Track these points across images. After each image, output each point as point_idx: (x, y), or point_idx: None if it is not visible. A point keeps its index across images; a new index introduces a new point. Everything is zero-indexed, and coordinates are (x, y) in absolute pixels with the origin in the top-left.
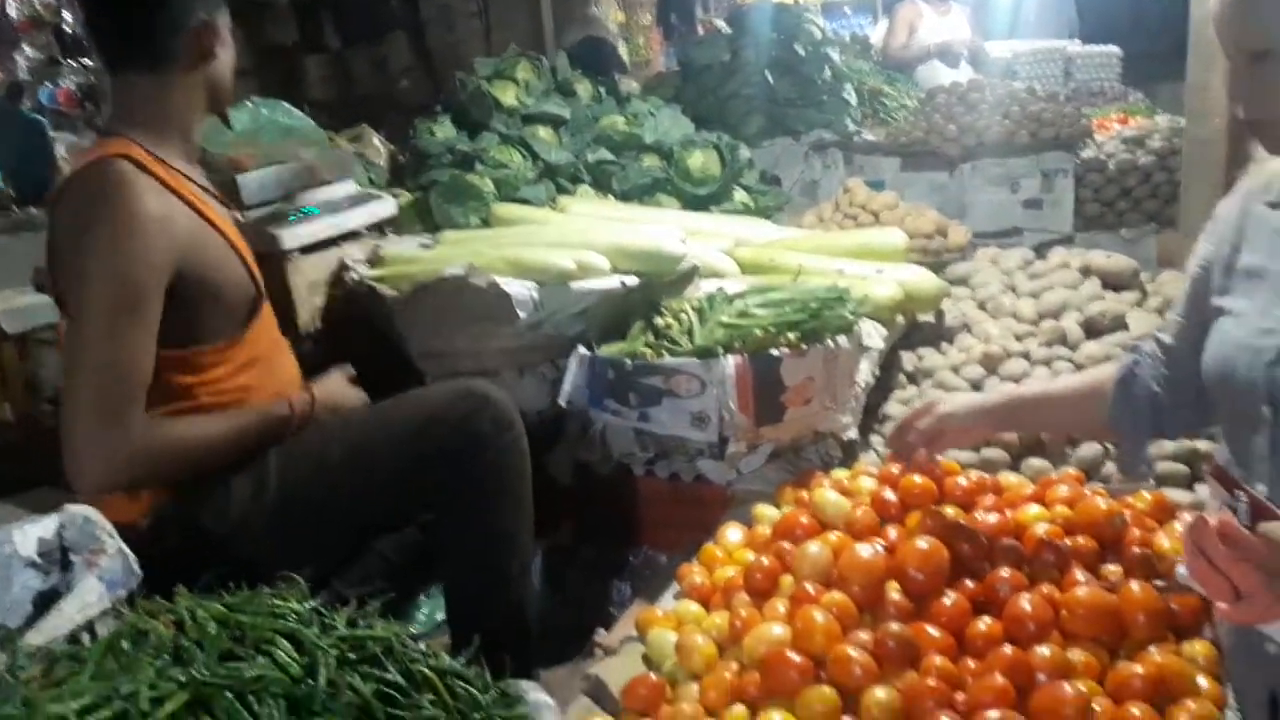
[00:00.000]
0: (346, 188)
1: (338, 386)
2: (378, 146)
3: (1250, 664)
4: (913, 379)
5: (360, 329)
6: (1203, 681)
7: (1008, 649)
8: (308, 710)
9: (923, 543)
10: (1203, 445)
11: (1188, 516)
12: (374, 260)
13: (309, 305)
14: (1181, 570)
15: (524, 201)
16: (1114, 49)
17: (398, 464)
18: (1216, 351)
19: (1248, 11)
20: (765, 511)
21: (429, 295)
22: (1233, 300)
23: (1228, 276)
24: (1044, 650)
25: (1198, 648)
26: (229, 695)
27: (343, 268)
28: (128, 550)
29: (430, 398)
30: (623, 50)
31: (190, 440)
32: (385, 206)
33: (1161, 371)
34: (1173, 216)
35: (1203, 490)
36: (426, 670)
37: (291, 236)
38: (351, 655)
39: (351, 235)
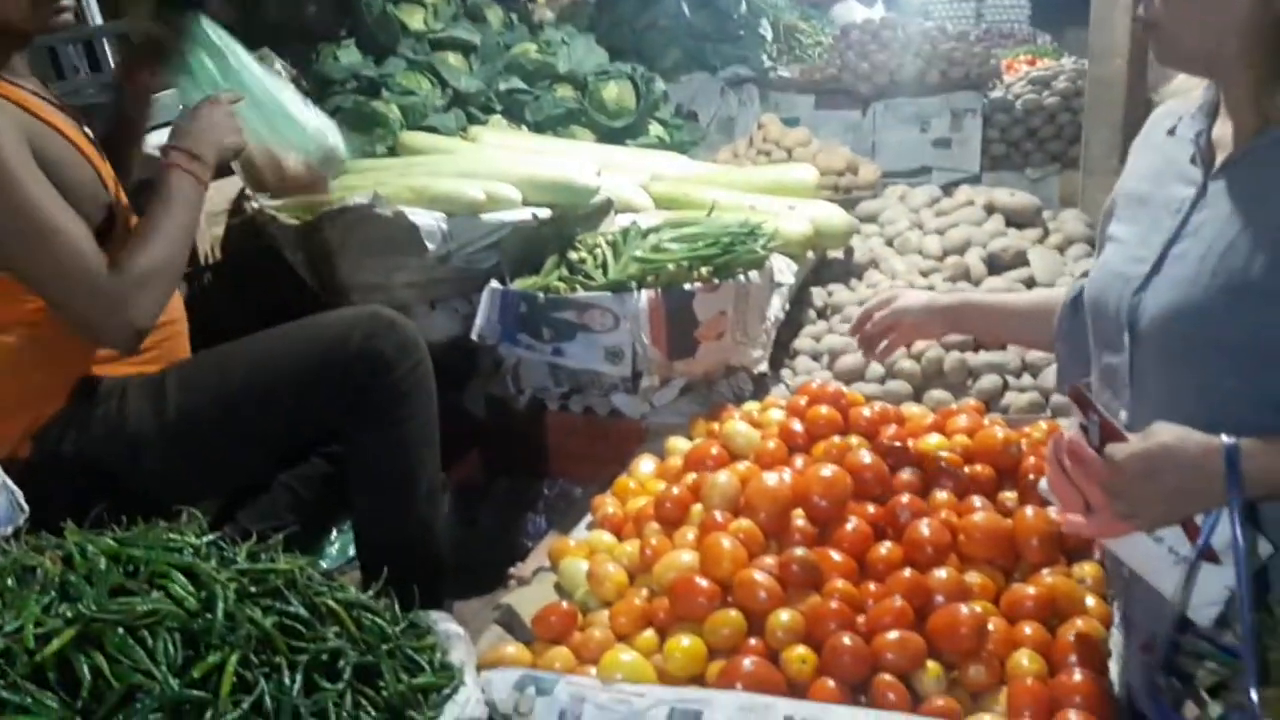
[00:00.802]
0: None
1: (195, 122)
2: (280, 70)
3: (1115, 582)
4: (822, 314)
5: (262, 261)
6: (1090, 601)
7: (907, 572)
8: (205, 644)
9: (826, 470)
10: None
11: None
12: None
13: (207, 235)
14: (1043, 484)
15: (432, 130)
16: None
17: (299, 387)
18: (1096, 277)
19: None
20: (677, 444)
21: (333, 226)
22: (1120, 227)
23: (1125, 205)
24: (942, 573)
25: (1087, 569)
26: (120, 631)
27: (243, 196)
28: (13, 486)
29: (332, 321)
30: None
31: (156, 242)
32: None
33: None
34: (1076, 157)
35: None
36: (331, 602)
37: None
38: (252, 589)
39: None
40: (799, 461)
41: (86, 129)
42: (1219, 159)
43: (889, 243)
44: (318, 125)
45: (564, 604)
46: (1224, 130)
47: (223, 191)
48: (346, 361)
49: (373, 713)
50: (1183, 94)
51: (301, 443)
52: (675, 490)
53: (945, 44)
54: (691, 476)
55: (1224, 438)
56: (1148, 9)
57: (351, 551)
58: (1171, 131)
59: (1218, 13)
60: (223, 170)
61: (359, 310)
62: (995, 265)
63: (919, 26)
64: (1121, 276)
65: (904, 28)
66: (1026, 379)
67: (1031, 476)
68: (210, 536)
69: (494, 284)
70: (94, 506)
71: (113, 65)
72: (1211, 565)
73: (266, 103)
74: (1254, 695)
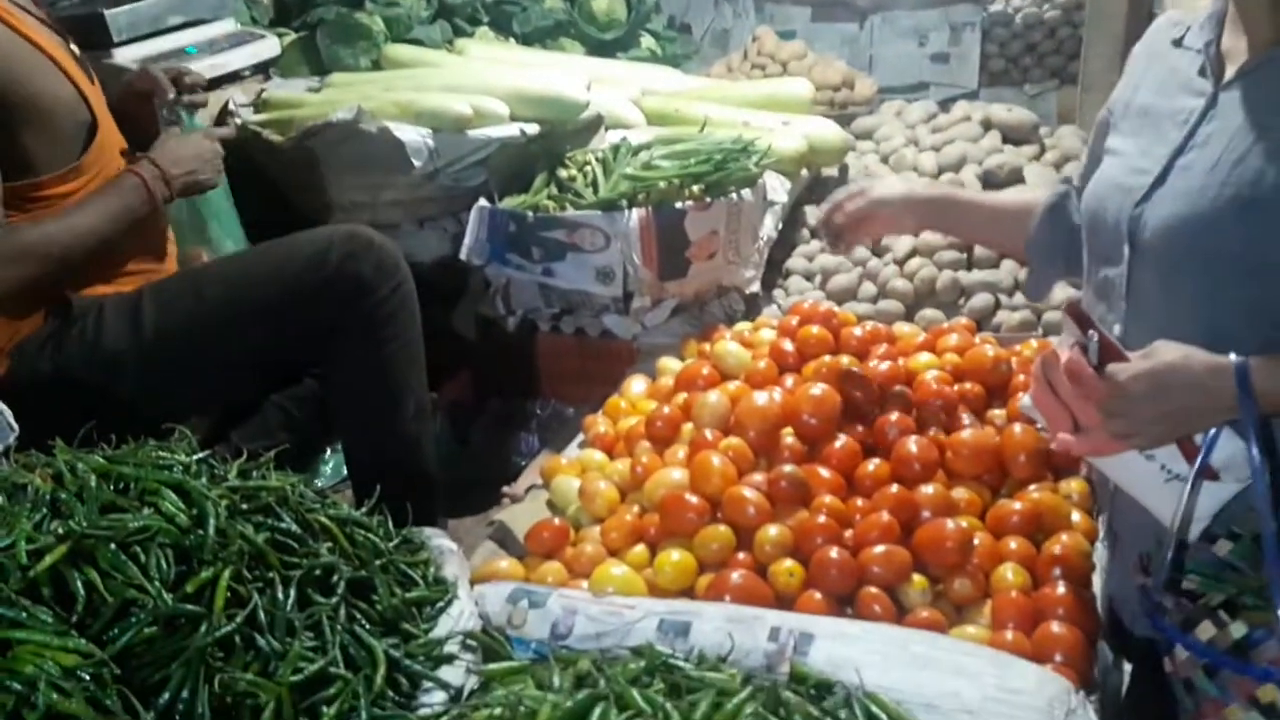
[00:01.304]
0: (225, 26)
1: (178, 145)
2: None
3: (1100, 495)
4: (815, 234)
5: (245, 177)
6: (1076, 516)
7: (894, 488)
8: (198, 560)
9: (816, 389)
10: None
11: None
12: (258, 104)
13: None
14: (1025, 400)
15: (417, 43)
16: None
17: (276, 307)
18: (1093, 190)
19: None
20: (669, 364)
21: (317, 141)
22: (1120, 140)
23: (1124, 117)
24: (929, 489)
25: (1073, 485)
26: (112, 547)
27: (225, 112)
28: (1, 405)
29: (310, 240)
30: None
31: (62, 231)
32: (268, 46)
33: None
34: (1075, 73)
35: None
36: (324, 519)
37: None
38: (244, 505)
39: (233, 77)
40: (789, 381)
41: (73, 46)
42: (1229, 70)
43: (884, 159)
44: None
45: (556, 520)
46: (1234, 41)
47: (205, 109)
48: (324, 282)
49: (367, 626)
50: (1186, 3)
51: (286, 363)
52: (666, 410)
53: None
54: (682, 396)
55: (1232, 356)
56: None
57: (345, 471)
58: (1178, 42)
59: None
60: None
61: (337, 229)
62: (990, 182)
63: None
64: (1122, 188)
65: None
66: (1019, 298)
67: (1020, 395)
68: (200, 454)
69: (482, 202)
70: (77, 425)
71: None
72: (1210, 483)
73: None
74: None
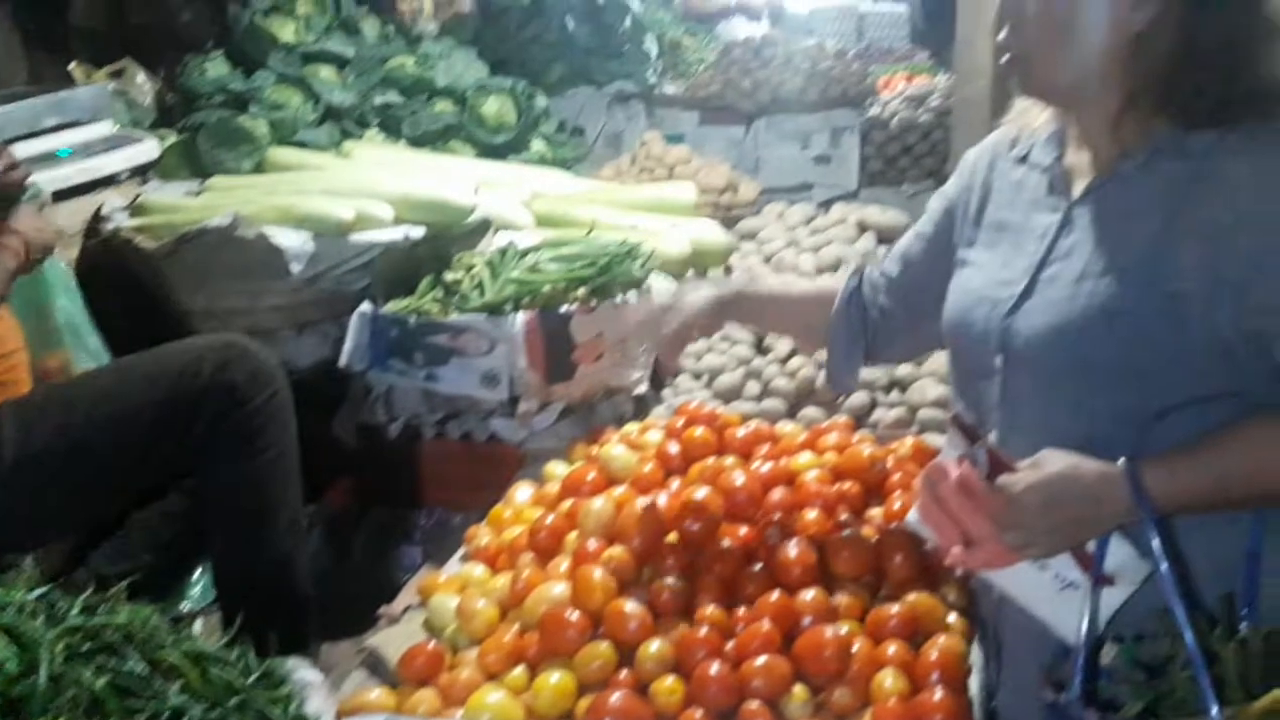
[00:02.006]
0: (103, 128)
1: (33, 219)
2: (142, 84)
3: (983, 602)
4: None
5: (119, 284)
6: (953, 618)
7: (775, 595)
8: (29, 711)
9: (699, 494)
10: None
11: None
12: (134, 209)
13: (61, 258)
14: (912, 516)
15: (303, 146)
16: (903, 9)
17: (147, 422)
18: (956, 301)
19: None
20: (556, 469)
21: (192, 248)
22: (975, 252)
23: (975, 228)
24: (809, 595)
25: (950, 586)
26: None
27: (98, 217)
28: None
29: (183, 351)
30: None
31: None
32: (146, 149)
33: (878, 299)
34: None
35: None
36: (175, 656)
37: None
38: (85, 646)
39: (109, 180)
40: (676, 484)
41: None
42: (1077, 185)
43: (767, 260)
44: None
45: (431, 643)
46: (1078, 158)
47: (78, 212)
48: (197, 393)
49: None
50: (1017, 120)
51: (154, 479)
52: (550, 519)
53: (824, 62)
54: (568, 503)
55: (1121, 461)
56: (1015, 42)
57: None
58: (1023, 159)
59: (1088, 40)
60: (77, 191)
61: (211, 339)
62: None
63: (799, 44)
64: (988, 300)
65: (785, 45)
66: (895, 394)
67: (898, 494)
68: (40, 590)
69: (364, 307)
70: None
71: None
72: (1106, 589)
73: None
74: (1216, 714)
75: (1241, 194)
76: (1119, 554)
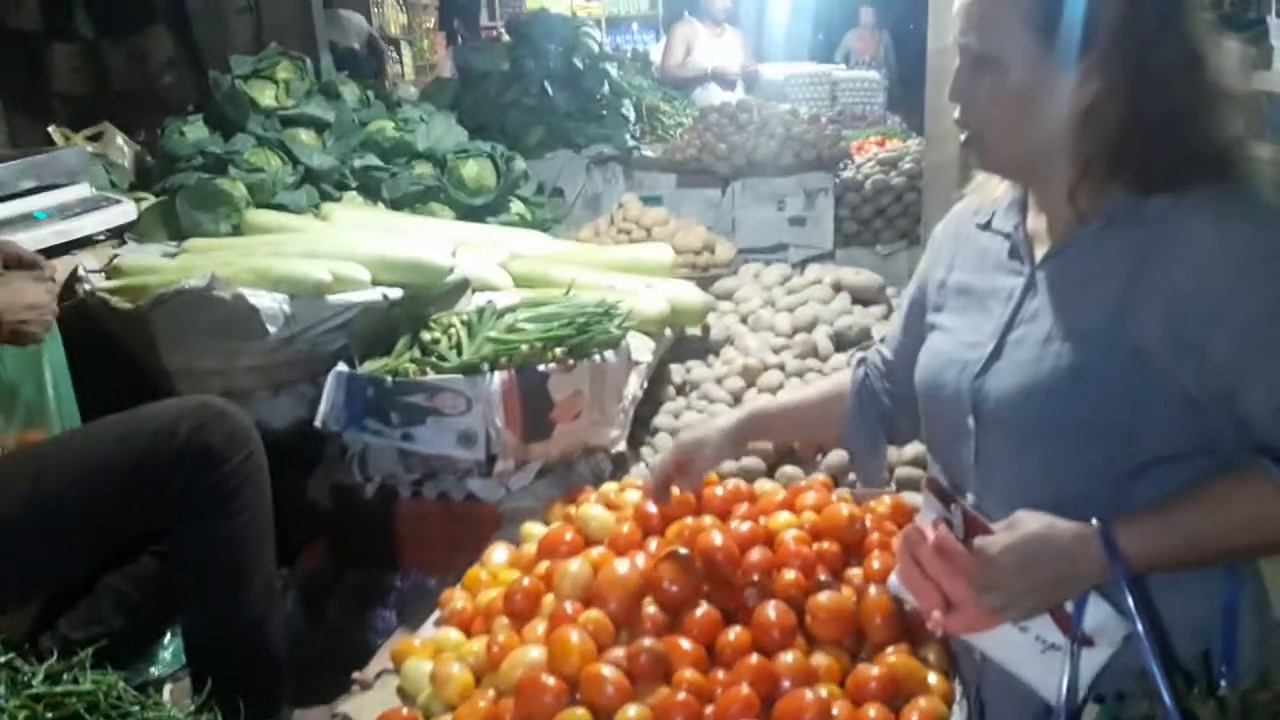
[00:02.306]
0: (80, 191)
1: (10, 289)
2: (121, 146)
3: (964, 662)
4: (681, 391)
5: (95, 345)
6: (933, 679)
7: (754, 658)
8: None
9: (677, 556)
10: None
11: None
12: (110, 270)
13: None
14: (893, 580)
15: (282, 208)
16: (875, 75)
17: (122, 485)
18: (927, 364)
19: (979, 15)
20: (533, 530)
21: (168, 309)
22: (944, 317)
23: (941, 294)
24: (788, 657)
25: (930, 647)
26: None
27: (74, 278)
28: None
29: (158, 413)
30: (406, 54)
31: None
32: (123, 211)
33: (885, 385)
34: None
35: None
36: None
37: None
38: (48, 715)
39: (85, 242)
40: (653, 545)
41: None
42: (1039, 250)
43: (743, 320)
44: None
45: (404, 711)
46: (1037, 224)
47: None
48: (173, 455)
49: None
50: (979, 189)
51: (127, 541)
52: (525, 581)
53: (798, 127)
54: (544, 565)
55: (1094, 521)
56: (969, 121)
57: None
58: (985, 226)
59: (1040, 116)
60: (54, 252)
61: (186, 400)
62: (842, 342)
63: (774, 110)
64: (957, 362)
65: (759, 110)
66: None
67: (876, 553)
68: (2, 657)
69: (340, 367)
70: None
71: None
72: (1087, 649)
73: None
74: None
75: (1197, 256)
76: (1097, 614)
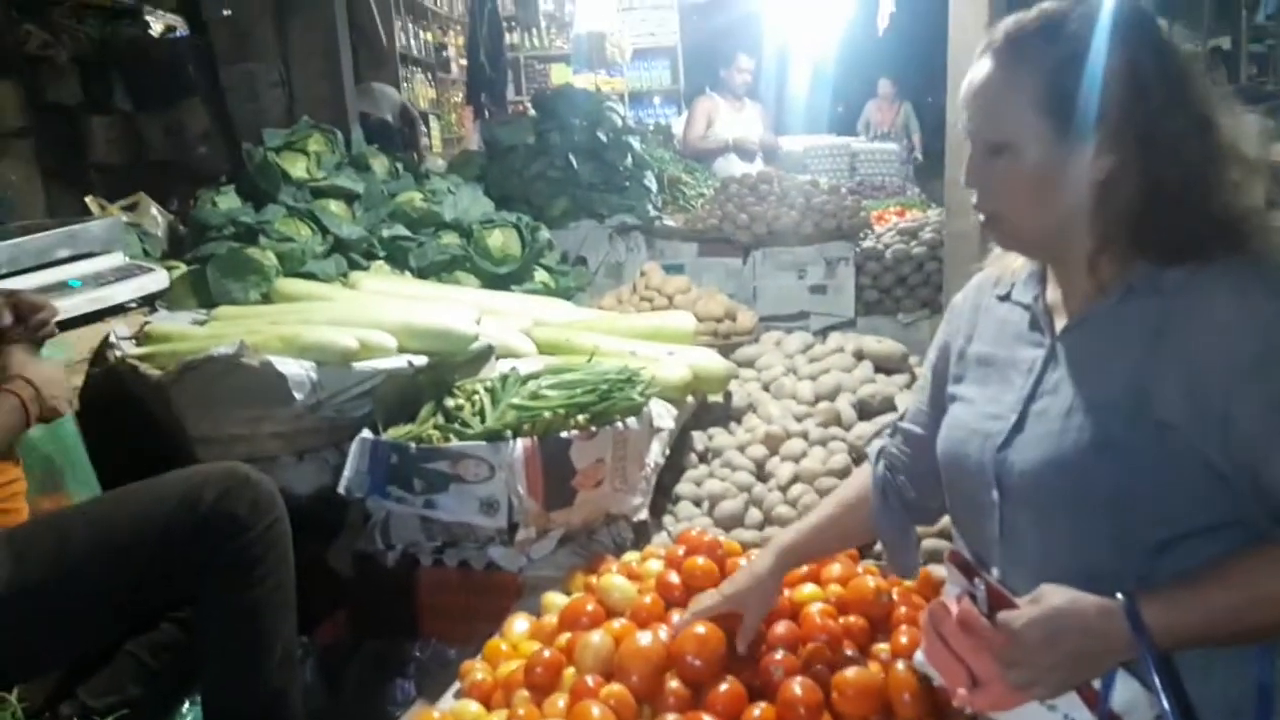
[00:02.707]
0: (113, 260)
1: (46, 367)
2: (155, 216)
3: None
4: (703, 458)
5: (124, 411)
6: None
7: None
8: None
9: (700, 629)
10: None
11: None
12: (140, 337)
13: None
14: (919, 657)
15: (311, 277)
16: (893, 147)
17: (146, 553)
18: (949, 436)
19: (987, 104)
20: (554, 600)
21: (197, 376)
22: (965, 388)
23: (961, 365)
24: None
25: None
26: None
27: (105, 345)
28: None
29: (183, 480)
30: (434, 127)
31: None
32: (156, 280)
33: (910, 466)
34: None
35: None
36: None
37: None
38: None
39: (118, 310)
40: (676, 617)
41: None
42: (1059, 321)
43: (765, 387)
44: None
45: None
46: (1057, 295)
47: (84, 340)
48: (197, 523)
49: None
50: (997, 261)
51: (150, 609)
52: (546, 653)
53: (818, 197)
54: (566, 636)
55: (1119, 595)
56: (987, 204)
57: None
58: (1004, 298)
59: (1056, 195)
60: (86, 319)
61: (212, 467)
62: (865, 410)
63: (794, 180)
64: (980, 434)
65: (780, 181)
66: None
67: (904, 627)
68: None
69: (365, 434)
70: None
71: None
72: None
73: None
74: None
75: (1218, 329)
76: (1126, 692)
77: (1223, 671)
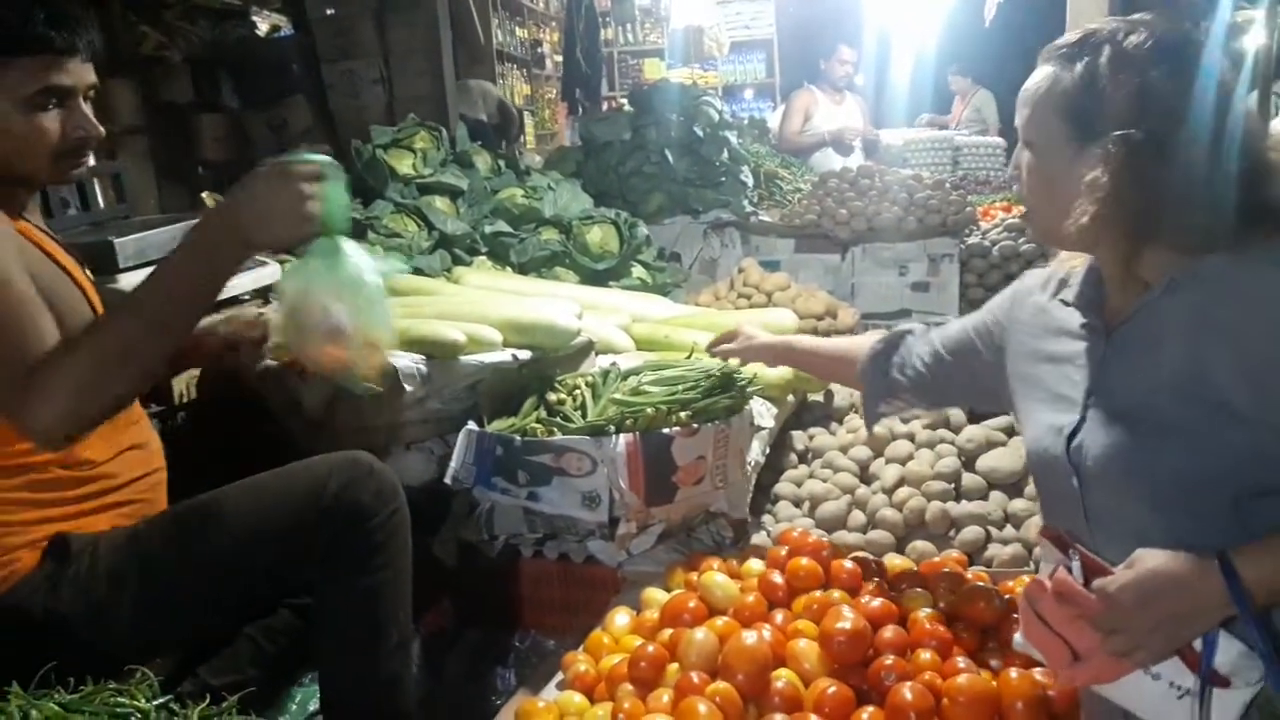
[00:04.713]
0: None
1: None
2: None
3: None
4: (803, 458)
5: (237, 401)
6: None
7: None
8: None
9: (801, 644)
10: None
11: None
12: None
13: (184, 375)
14: (1018, 638)
15: (418, 272)
16: (998, 140)
17: (275, 543)
18: (1029, 432)
19: (1025, 103)
20: (654, 595)
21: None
22: (1031, 386)
23: (1024, 361)
24: None
25: None
26: None
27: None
28: None
29: (309, 469)
30: (529, 123)
31: (84, 347)
32: (270, 272)
33: (915, 364)
34: None
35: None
36: None
37: None
38: None
39: (234, 301)
40: (779, 616)
41: (87, 271)
42: (1112, 317)
43: None
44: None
45: None
46: (1108, 292)
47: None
48: (323, 512)
49: None
50: (1059, 263)
51: (274, 595)
52: (650, 648)
53: (921, 192)
54: (668, 632)
55: (1214, 551)
56: (1022, 194)
57: (313, 707)
58: (1057, 295)
59: (1068, 190)
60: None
61: (336, 456)
62: (974, 412)
63: (895, 175)
64: (1053, 429)
65: (881, 176)
66: (1009, 530)
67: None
68: (159, 700)
69: (470, 426)
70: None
71: (101, 204)
72: (1221, 690)
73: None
74: None
75: (1261, 306)
76: (1230, 652)
77: None
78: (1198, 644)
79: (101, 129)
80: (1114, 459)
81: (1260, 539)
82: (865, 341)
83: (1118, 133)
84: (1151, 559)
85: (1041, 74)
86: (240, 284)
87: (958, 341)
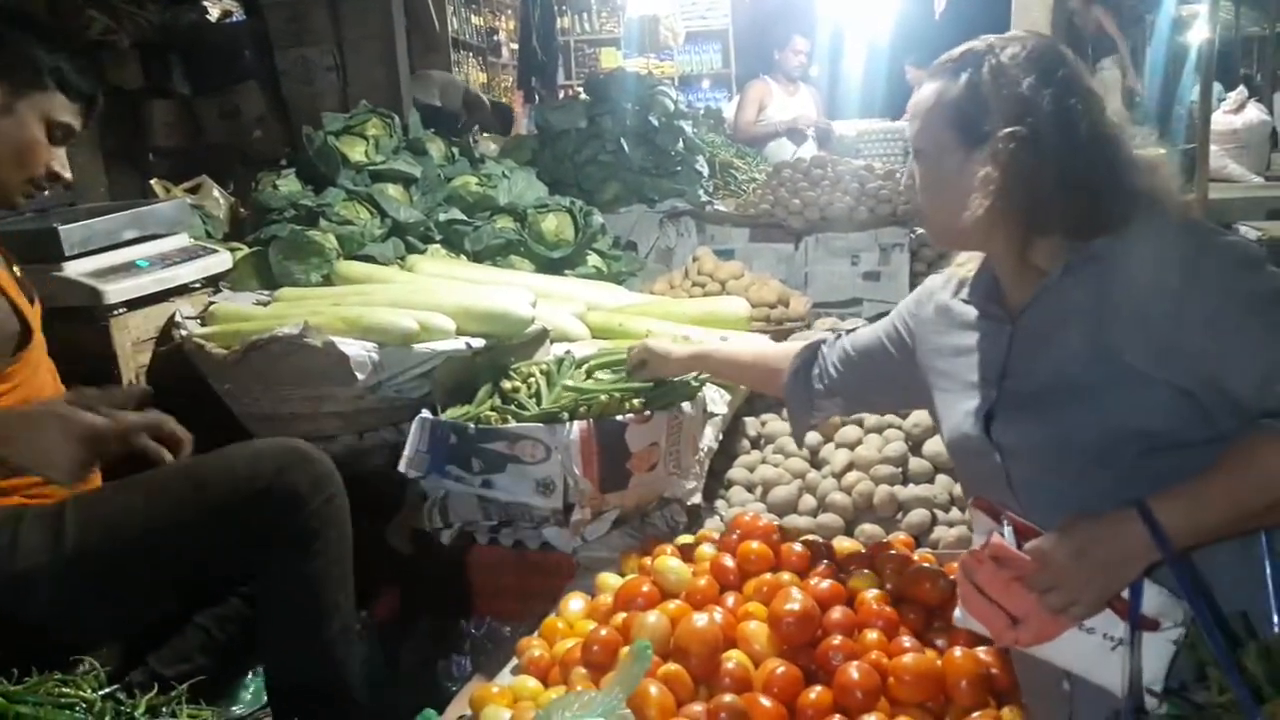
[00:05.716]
0: (179, 241)
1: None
2: (217, 198)
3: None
4: (756, 444)
5: (189, 389)
6: None
7: (836, 718)
8: None
9: (751, 625)
10: None
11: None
12: (205, 317)
13: (133, 363)
14: (958, 613)
15: (370, 259)
16: None
17: (205, 524)
18: (947, 421)
19: (915, 114)
20: (608, 580)
21: (261, 355)
22: (944, 378)
23: (935, 356)
24: (871, 719)
25: (1016, 712)
26: None
27: (171, 324)
28: None
29: (243, 455)
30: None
31: None
32: (219, 261)
33: (830, 371)
34: None
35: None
36: None
37: (115, 291)
38: None
39: (183, 290)
40: (730, 599)
41: (15, 269)
42: (1014, 306)
43: None
44: None
45: None
46: (1006, 284)
47: (150, 319)
48: (256, 497)
49: None
50: (956, 264)
51: (211, 581)
52: (604, 632)
53: (873, 182)
54: (621, 616)
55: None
56: (913, 198)
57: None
58: (958, 294)
59: (960, 190)
60: (153, 299)
61: (271, 442)
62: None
63: (848, 165)
64: (971, 412)
65: (834, 166)
66: (955, 513)
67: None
68: (106, 690)
69: (424, 414)
70: None
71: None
72: (1151, 635)
73: None
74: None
75: (1151, 270)
76: (1155, 597)
77: (1228, 559)
78: (1126, 594)
79: (70, 175)
80: (1032, 431)
81: (1173, 487)
82: (781, 349)
83: (1004, 130)
84: (1079, 519)
85: (929, 88)
86: (186, 273)
87: (868, 345)
